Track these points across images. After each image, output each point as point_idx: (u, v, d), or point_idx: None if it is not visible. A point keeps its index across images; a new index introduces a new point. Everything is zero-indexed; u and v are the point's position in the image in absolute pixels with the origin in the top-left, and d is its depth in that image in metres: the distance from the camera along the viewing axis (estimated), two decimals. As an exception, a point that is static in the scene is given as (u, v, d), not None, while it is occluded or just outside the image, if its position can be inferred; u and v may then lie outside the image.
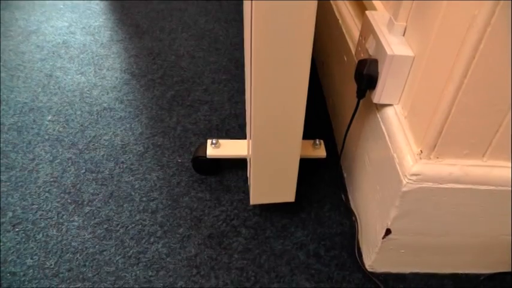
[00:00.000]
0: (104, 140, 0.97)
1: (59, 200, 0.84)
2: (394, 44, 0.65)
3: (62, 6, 1.51)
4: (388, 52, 0.63)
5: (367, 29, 0.72)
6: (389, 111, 0.69)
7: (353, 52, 0.85)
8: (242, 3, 1.46)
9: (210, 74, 1.18)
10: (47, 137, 0.97)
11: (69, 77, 1.15)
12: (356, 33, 0.85)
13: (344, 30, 0.93)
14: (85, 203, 0.84)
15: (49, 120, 1.02)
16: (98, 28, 1.37)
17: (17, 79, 1.14)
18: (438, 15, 0.56)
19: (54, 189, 0.86)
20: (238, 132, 1.00)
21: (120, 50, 1.27)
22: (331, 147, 0.98)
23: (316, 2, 0.53)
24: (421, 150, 0.61)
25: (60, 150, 0.94)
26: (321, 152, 0.87)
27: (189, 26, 1.40)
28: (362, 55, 0.74)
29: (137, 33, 1.35)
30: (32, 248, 0.77)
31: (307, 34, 0.56)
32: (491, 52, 0.49)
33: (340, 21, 0.98)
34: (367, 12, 0.74)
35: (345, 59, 0.91)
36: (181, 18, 1.44)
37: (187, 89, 1.12)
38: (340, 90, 0.97)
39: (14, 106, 1.05)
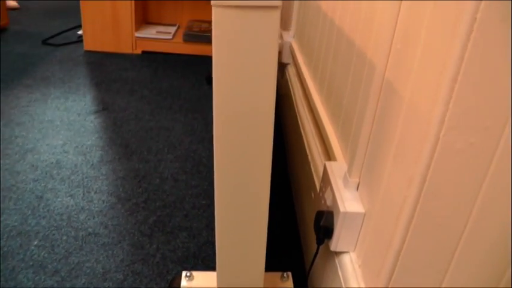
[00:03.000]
0: (86, 267, 1.02)
1: (37, 332, 0.88)
2: (348, 199, 0.73)
3: (58, 123, 1.62)
4: (341, 209, 0.71)
5: (326, 180, 0.81)
6: (346, 258, 0.75)
7: (318, 191, 0.93)
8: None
9: (191, 198, 1.26)
10: (31, 263, 1.02)
11: (58, 199, 1.23)
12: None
13: (312, 168, 1.03)
14: (62, 335, 0.87)
15: (35, 245, 1.07)
16: (90, 147, 1.47)
17: (9, 200, 1.21)
18: (383, 177, 0.63)
19: (34, 321, 0.90)
20: (213, 260, 1.06)
21: (109, 172, 1.36)
22: (302, 273, 1.03)
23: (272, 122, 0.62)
24: (371, 303, 0.67)
25: (42, 277, 0.99)
26: (288, 284, 0.92)
27: (175, 146, 1.50)
28: (322, 202, 0.83)
29: (126, 153, 1.45)
30: None
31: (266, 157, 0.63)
32: (424, 224, 0.57)
33: (309, 157, 1.08)
34: (326, 163, 0.83)
35: (312, 195, 0.99)
36: (167, 138, 1.55)
37: (168, 215, 1.19)
38: (308, 222, 1.04)
39: (2, 230, 1.11)
